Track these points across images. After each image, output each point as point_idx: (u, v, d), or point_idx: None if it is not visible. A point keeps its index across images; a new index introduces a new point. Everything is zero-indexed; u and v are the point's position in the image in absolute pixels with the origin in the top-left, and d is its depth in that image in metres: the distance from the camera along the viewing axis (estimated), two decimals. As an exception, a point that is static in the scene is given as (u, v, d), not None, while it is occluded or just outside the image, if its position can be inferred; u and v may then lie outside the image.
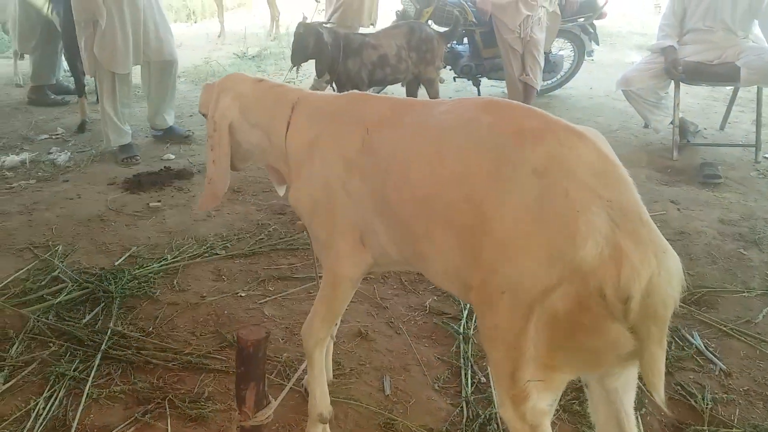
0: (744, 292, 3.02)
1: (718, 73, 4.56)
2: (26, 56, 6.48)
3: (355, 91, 1.99)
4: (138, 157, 4.81)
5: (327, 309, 1.97)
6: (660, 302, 1.27)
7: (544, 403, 1.44)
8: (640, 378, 1.51)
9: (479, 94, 5.90)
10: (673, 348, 2.62)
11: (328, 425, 2.12)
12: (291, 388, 2.32)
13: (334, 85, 4.62)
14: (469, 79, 5.96)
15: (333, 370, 2.45)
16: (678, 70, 4.56)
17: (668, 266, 1.28)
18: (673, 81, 4.70)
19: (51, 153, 4.88)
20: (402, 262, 1.82)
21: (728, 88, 5.19)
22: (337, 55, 4.26)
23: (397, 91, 5.82)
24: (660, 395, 1.33)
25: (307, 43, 4.23)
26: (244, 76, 2.06)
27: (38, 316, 2.73)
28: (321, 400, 2.09)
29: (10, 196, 4.14)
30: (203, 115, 2.08)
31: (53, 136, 5.39)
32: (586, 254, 1.26)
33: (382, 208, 1.71)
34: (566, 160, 1.37)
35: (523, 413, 1.43)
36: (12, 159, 4.71)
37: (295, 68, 4.59)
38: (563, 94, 6.47)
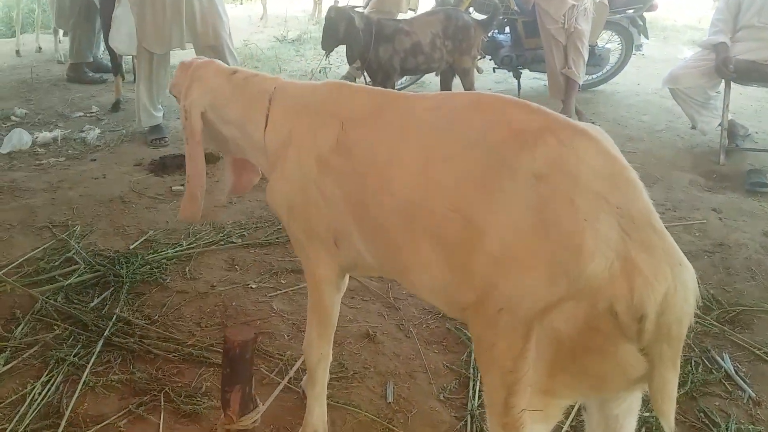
0: (784, 313, 2.81)
1: (772, 74, 4.28)
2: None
3: (333, 80, 1.86)
4: (167, 139, 4.78)
5: (318, 319, 1.86)
6: (675, 320, 1.14)
7: None
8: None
9: (519, 86, 5.69)
10: (700, 370, 2.44)
11: None
12: (291, 388, 2.26)
13: (365, 73, 4.51)
14: (509, 71, 5.76)
15: (336, 372, 2.36)
16: (729, 69, 4.28)
17: (684, 280, 1.15)
18: (723, 80, 4.43)
19: (83, 131, 4.90)
20: (381, 270, 1.70)
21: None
22: (368, 42, 4.14)
23: (434, 81, 5.67)
24: (670, 424, 1.21)
25: (338, 29, 4.12)
26: (218, 67, 1.94)
27: (47, 298, 2.70)
28: (318, 418, 2.00)
29: (38, 173, 4.16)
30: (174, 96, 1.98)
31: (88, 114, 5.42)
32: (594, 269, 1.14)
33: (358, 214, 1.59)
34: (569, 163, 1.24)
35: None
36: (44, 136, 4.74)
37: (328, 54, 4.48)
38: (608, 90, 6.21)
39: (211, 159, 4.39)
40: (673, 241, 1.21)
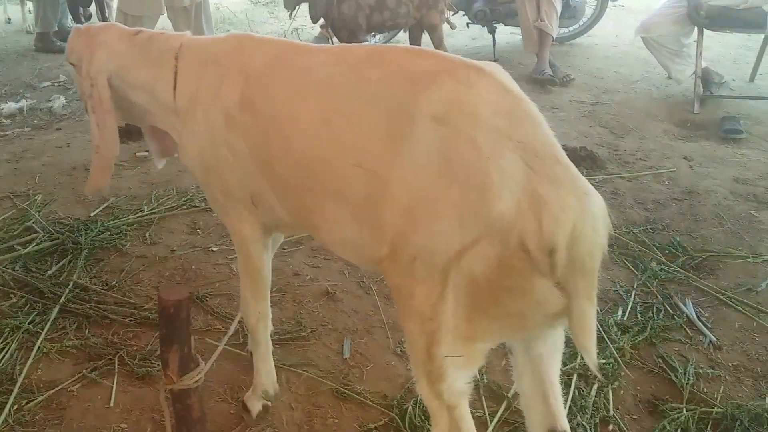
0: (749, 258, 2.79)
1: (744, 19, 4.18)
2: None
3: (236, 32, 1.78)
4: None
5: (250, 278, 1.84)
6: (586, 252, 1.13)
7: (461, 381, 1.32)
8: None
9: (494, 41, 5.58)
10: (661, 316, 2.43)
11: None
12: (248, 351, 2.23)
13: (330, 31, 4.42)
14: (483, 26, 5.65)
15: (292, 332, 2.35)
16: (701, 15, 4.20)
17: (592, 210, 1.13)
18: (696, 27, 4.34)
19: (50, 101, 4.81)
20: (299, 227, 1.67)
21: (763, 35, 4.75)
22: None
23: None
24: (592, 358, 1.20)
25: (299, -15, 4.02)
26: (119, 29, 1.84)
27: (4, 267, 2.67)
28: (267, 377, 1.99)
29: (2, 143, 4.09)
30: (71, 64, 1.89)
31: (55, 84, 5.32)
32: (502, 206, 1.13)
33: (266, 172, 1.55)
34: (468, 101, 1.22)
35: (439, 392, 1.32)
36: (10, 107, 4.66)
37: (292, 13, 4.37)
38: (585, 43, 6.10)
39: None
40: (577, 172, 1.20)
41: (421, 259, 1.22)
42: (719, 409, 2.00)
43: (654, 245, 2.88)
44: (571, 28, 5.96)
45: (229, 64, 1.61)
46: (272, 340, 2.27)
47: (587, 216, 1.12)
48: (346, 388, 2.09)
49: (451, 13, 5.41)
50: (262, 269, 1.81)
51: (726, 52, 5.75)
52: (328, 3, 4.06)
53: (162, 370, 1.74)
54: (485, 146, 1.17)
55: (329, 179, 1.39)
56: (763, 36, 4.70)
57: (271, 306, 2.44)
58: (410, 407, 1.98)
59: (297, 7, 4.27)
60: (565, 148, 3.98)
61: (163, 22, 4.60)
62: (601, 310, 2.46)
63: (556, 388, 1.44)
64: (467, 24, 5.74)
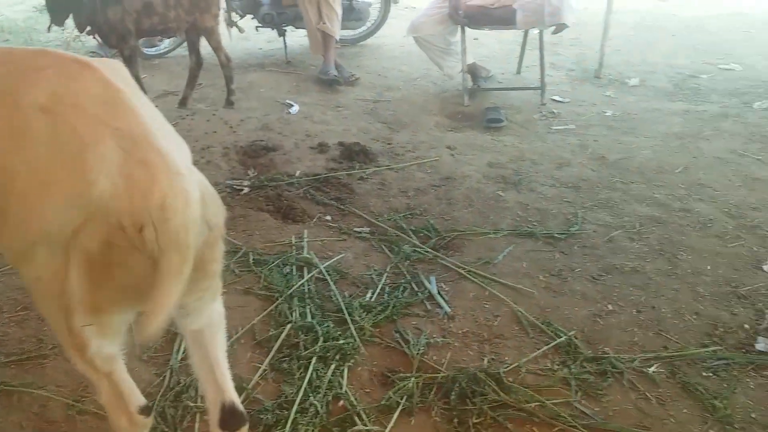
0: (490, 233, 3.07)
1: (498, 17, 4.58)
2: None
3: None
4: None
5: None
6: (180, 227, 1.22)
7: (107, 348, 1.42)
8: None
9: (285, 44, 5.68)
10: (406, 294, 2.62)
11: None
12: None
13: (97, 37, 4.28)
14: (272, 29, 5.72)
15: (31, 351, 2.27)
16: (460, 15, 4.55)
17: (183, 189, 1.24)
18: (459, 26, 4.69)
19: None
20: None
21: (536, 31, 5.14)
22: (95, 5, 3.90)
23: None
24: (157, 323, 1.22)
25: (60, -4, 3.85)
26: None
27: None
28: None
29: None
30: None
31: None
32: (99, 189, 1.22)
33: None
34: (70, 93, 1.33)
35: (91, 361, 1.41)
36: None
37: (54, 25, 4.17)
38: (375, 44, 6.36)
39: None
40: (172, 155, 1.30)
41: (40, 243, 1.30)
42: (443, 374, 2.20)
43: (411, 229, 3.08)
44: (359, 30, 6.17)
45: None
46: (9, 362, 2.22)
47: (178, 193, 1.22)
48: (82, 401, 2.06)
49: (239, 17, 5.44)
50: None
51: (501, 47, 6.25)
52: (92, 11, 3.92)
53: None
54: (84, 134, 1.26)
55: None
56: (536, 32, 5.08)
57: (11, 326, 2.41)
58: (147, 410, 1.99)
59: (66, 20, 4.09)
60: (341, 144, 4.12)
61: None
62: (350, 295, 2.61)
63: (222, 363, 1.56)
64: (257, 27, 5.78)
